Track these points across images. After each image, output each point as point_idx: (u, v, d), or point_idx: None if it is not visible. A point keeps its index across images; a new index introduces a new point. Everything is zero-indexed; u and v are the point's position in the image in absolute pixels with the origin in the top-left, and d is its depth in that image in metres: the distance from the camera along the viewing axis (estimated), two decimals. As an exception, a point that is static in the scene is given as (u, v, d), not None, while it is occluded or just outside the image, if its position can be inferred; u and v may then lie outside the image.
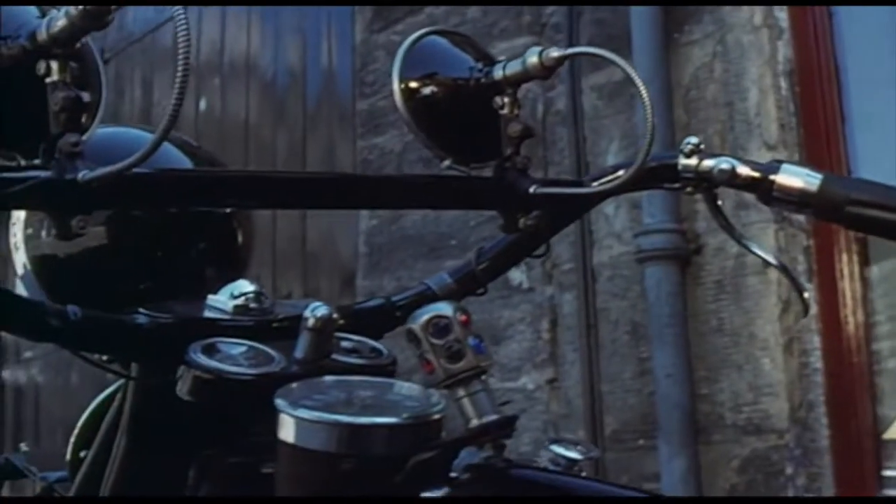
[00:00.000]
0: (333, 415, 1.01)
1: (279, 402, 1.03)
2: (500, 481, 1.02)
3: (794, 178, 1.37)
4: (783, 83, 3.97)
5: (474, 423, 1.06)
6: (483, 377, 1.08)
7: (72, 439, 1.46)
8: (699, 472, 3.96)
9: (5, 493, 1.85)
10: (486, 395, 1.08)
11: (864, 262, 4.10)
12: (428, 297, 1.42)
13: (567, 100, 4.43)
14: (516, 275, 4.36)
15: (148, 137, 1.26)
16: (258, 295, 1.27)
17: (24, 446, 1.82)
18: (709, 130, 4.01)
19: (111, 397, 1.40)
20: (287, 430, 1.02)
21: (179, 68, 1.03)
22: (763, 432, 3.88)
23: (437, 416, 1.03)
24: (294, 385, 1.07)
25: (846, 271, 3.99)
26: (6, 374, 7.46)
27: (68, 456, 1.46)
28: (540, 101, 4.46)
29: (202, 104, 6.02)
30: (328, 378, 1.11)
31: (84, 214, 1.10)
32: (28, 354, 7.18)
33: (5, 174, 1.09)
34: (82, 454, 1.42)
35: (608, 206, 4.25)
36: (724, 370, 3.97)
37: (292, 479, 1.03)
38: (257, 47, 5.83)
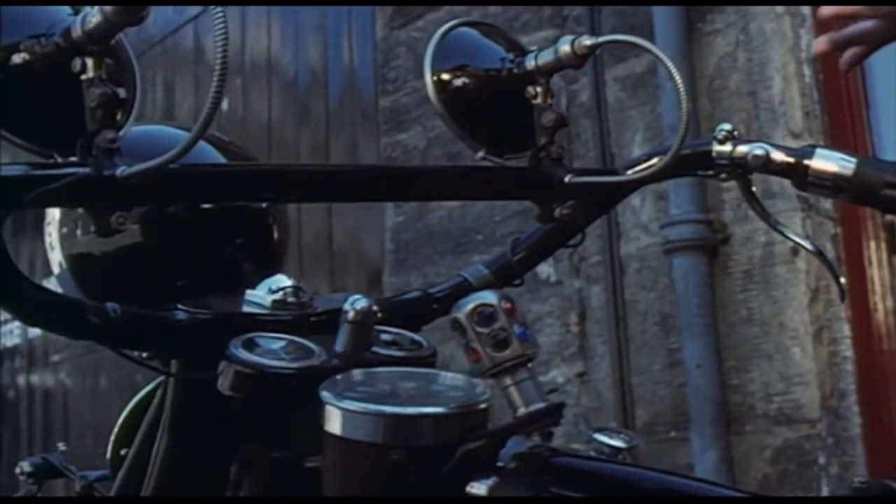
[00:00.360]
0: (380, 405, 1.00)
1: (325, 394, 1.03)
2: (547, 470, 1.01)
3: (828, 162, 1.37)
4: (807, 71, 3.95)
5: (522, 411, 1.06)
6: (529, 365, 1.08)
7: (112, 437, 1.46)
8: (732, 463, 3.95)
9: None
10: (533, 383, 1.07)
11: (893, 249, 4.08)
12: (465, 289, 1.41)
13: (591, 92, 4.42)
14: (544, 268, 4.35)
15: (182, 135, 1.26)
16: (296, 289, 1.27)
17: (62, 446, 1.82)
18: (733, 120, 3.97)
19: (150, 395, 1.40)
20: (333, 422, 1.02)
21: (218, 65, 1.03)
22: (795, 422, 3.86)
23: (483, 406, 1.03)
24: (338, 377, 1.07)
25: (874, 259, 3.97)
26: (35, 377, 7.47)
27: (108, 454, 1.46)
28: (563, 94, 4.45)
29: (224, 105, 6.03)
30: (372, 370, 1.10)
31: (123, 210, 1.10)
32: (56, 358, 7.19)
33: (44, 171, 1.09)
34: (122, 452, 1.42)
35: (634, 198, 4.23)
36: (754, 360, 3.95)
37: (339, 471, 1.03)
38: (278, 47, 5.84)
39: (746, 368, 3.97)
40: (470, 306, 1.09)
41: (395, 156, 5.03)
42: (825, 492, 3.81)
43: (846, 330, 3.81)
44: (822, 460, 3.82)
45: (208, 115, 1.05)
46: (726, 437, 3.96)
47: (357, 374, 1.09)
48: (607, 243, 4.30)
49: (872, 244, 3.95)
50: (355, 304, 1.17)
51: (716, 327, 4.00)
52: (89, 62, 1.12)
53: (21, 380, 7.61)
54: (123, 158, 1.10)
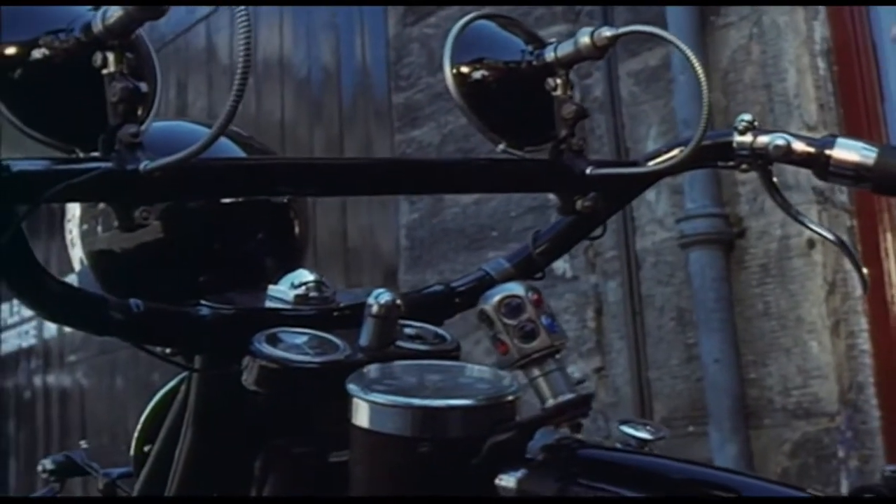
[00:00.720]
0: (408, 398, 1.00)
1: (352, 387, 1.03)
2: (576, 462, 1.01)
3: (850, 151, 1.36)
4: (821, 63, 3.94)
5: (550, 402, 1.05)
6: (557, 356, 1.07)
7: (135, 434, 1.45)
8: (751, 458, 3.94)
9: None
10: (562, 374, 1.07)
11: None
12: (486, 283, 1.41)
13: (604, 87, 4.41)
14: (560, 264, 4.35)
15: (201, 130, 1.25)
16: (319, 284, 1.27)
17: (83, 444, 1.81)
18: (748, 113, 3.98)
19: (173, 391, 1.40)
20: (361, 415, 1.01)
21: (241, 60, 1.03)
22: (813, 415, 3.85)
23: (511, 398, 1.02)
24: (365, 370, 1.07)
25: (891, 251, 3.96)
26: (51, 377, 7.49)
27: (132, 451, 1.45)
28: (577, 89, 4.44)
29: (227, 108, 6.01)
30: (398, 363, 1.10)
31: (146, 205, 1.10)
32: (72, 358, 7.20)
33: (66, 166, 1.09)
34: (146, 449, 1.42)
35: (650, 193, 4.22)
36: (771, 354, 3.95)
37: (367, 464, 1.03)
38: (290, 45, 5.83)
39: (764, 362, 3.96)
40: (497, 298, 1.08)
41: (410, 152, 5.02)
42: (844, 485, 3.80)
43: (863, 323, 3.80)
44: (841, 454, 3.81)
45: (231, 110, 1.04)
46: (745, 431, 3.95)
47: (383, 367, 1.08)
48: (623, 238, 4.29)
49: (889, 236, 3.94)
50: (379, 297, 1.16)
51: (733, 321, 3.99)
52: (110, 57, 1.11)
53: (37, 380, 7.62)
54: (146, 153, 1.10)
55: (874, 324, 3.80)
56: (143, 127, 1.12)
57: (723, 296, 3.99)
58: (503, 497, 0.99)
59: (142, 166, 1.09)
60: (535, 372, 1.06)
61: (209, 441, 1.27)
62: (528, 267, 1.45)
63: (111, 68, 1.11)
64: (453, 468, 1.00)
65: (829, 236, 1.48)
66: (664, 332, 4.22)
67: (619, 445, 1.19)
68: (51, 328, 7.40)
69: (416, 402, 1.00)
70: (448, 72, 1.38)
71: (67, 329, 6.92)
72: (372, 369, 1.07)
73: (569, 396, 1.05)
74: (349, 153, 5.33)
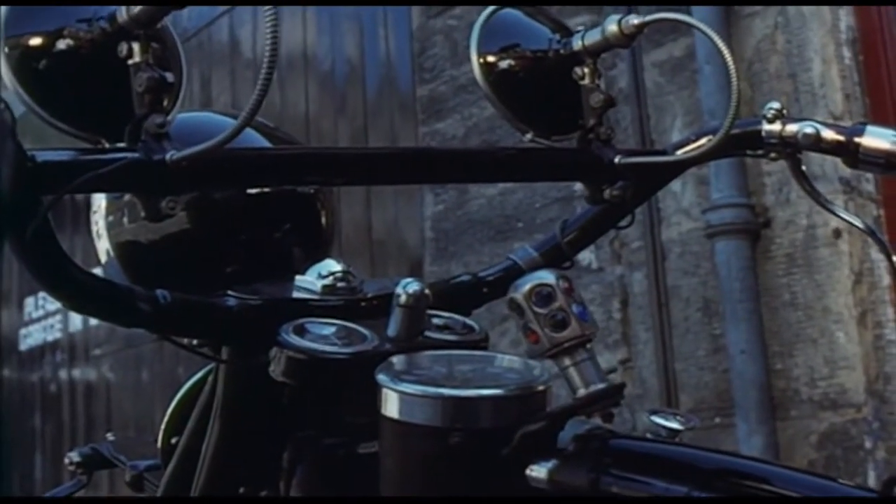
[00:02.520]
0: (438, 388, 0.99)
1: (381, 378, 1.02)
2: (607, 452, 1.00)
3: (879, 139, 1.35)
4: (846, 52, 3.92)
5: (581, 392, 1.05)
6: (588, 346, 1.06)
7: (162, 426, 1.45)
8: (778, 449, 3.93)
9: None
10: (593, 364, 1.06)
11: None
12: (514, 272, 1.41)
13: (629, 77, 4.40)
14: (585, 255, 4.33)
15: (227, 121, 1.25)
16: (346, 274, 1.26)
17: (110, 436, 1.81)
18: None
19: (201, 382, 1.39)
20: (391, 405, 1.01)
21: (268, 49, 1.02)
22: (840, 406, 3.84)
23: (542, 387, 1.02)
24: (394, 360, 1.06)
25: (918, 239, 3.94)
26: (76, 371, 7.50)
27: (159, 443, 1.45)
28: (602, 80, 4.42)
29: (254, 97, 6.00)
30: (427, 353, 1.09)
31: (173, 195, 1.09)
32: (97, 352, 7.22)
33: (93, 156, 1.09)
34: (173, 440, 1.41)
35: (675, 183, 4.20)
36: (798, 345, 3.93)
37: (397, 455, 1.02)
38: (314, 38, 5.83)
39: (791, 353, 3.95)
40: (528, 286, 1.07)
41: (434, 145, 5.02)
42: (872, 477, 3.78)
43: (890, 313, 3.78)
44: (868, 445, 3.79)
45: (258, 100, 1.04)
46: (772, 422, 3.94)
47: (412, 357, 1.08)
48: (648, 229, 4.28)
49: (916, 226, 3.93)
50: (407, 287, 1.16)
51: (759, 312, 3.97)
52: (136, 47, 1.11)
53: (63, 374, 7.64)
54: (172, 143, 1.09)
55: (901, 313, 3.78)
56: (169, 117, 1.11)
57: (749, 286, 3.98)
58: (525, 496, 0.98)
59: (168, 156, 1.08)
60: (566, 361, 1.06)
61: (237, 433, 1.27)
62: (556, 256, 1.44)
63: (137, 58, 1.11)
64: (484, 458, 0.99)
65: (859, 224, 1.47)
66: (690, 323, 4.20)
67: (649, 436, 1.18)
68: (76, 322, 7.41)
69: (447, 392, 0.99)
70: (475, 61, 1.37)
71: (93, 322, 6.96)
72: (401, 359, 1.07)
73: (600, 386, 1.05)
74: (373, 146, 5.33)
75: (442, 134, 5.01)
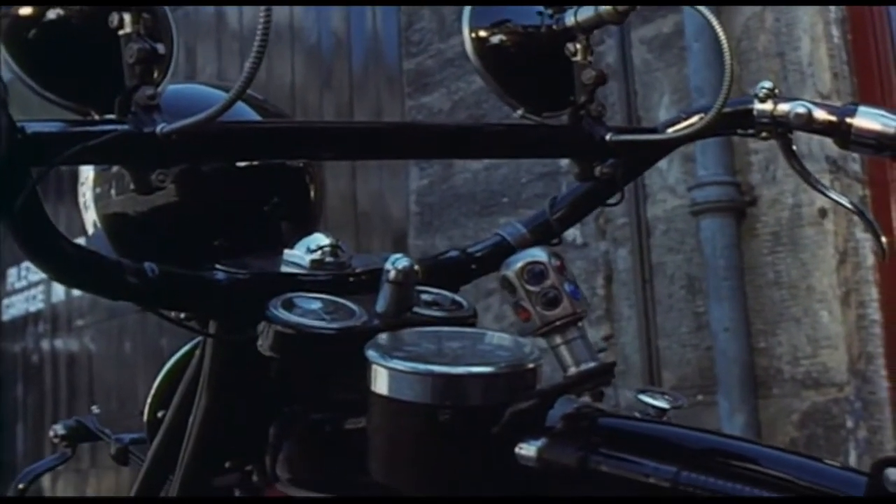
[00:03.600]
0: (428, 365, 0.99)
1: (371, 354, 1.02)
2: (597, 431, 1.00)
3: (871, 120, 1.35)
4: (835, 31, 3.92)
5: (572, 370, 1.04)
6: (580, 324, 1.06)
7: (148, 400, 1.44)
8: (759, 427, 3.94)
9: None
10: (584, 342, 1.06)
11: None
12: (503, 248, 1.40)
13: (617, 54, 4.39)
14: (570, 231, 4.30)
15: (217, 94, 1.24)
16: (335, 248, 1.25)
17: (95, 409, 1.80)
18: (762, 80, 3.95)
19: (187, 356, 1.39)
20: (380, 382, 1.00)
21: (261, 21, 1.01)
22: (822, 385, 3.84)
23: (532, 365, 1.01)
24: (383, 336, 1.06)
25: (903, 219, 3.95)
26: (59, 342, 7.48)
27: (145, 416, 1.44)
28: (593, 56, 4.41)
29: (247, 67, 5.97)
30: (417, 329, 1.09)
31: (163, 168, 1.09)
32: (80, 322, 7.20)
33: (82, 128, 1.08)
34: (159, 414, 1.41)
35: (661, 160, 4.19)
36: (781, 323, 3.93)
37: (386, 431, 1.02)
38: (301, 10, 5.81)
39: (774, 332, 3.95)
40: (520, 264, 1.07)
41: (420, 119, 5.00)
42: (853, 456, 3.79)
43: (874, 293, 3.79)
44: (849, 424, 3.80)
45: (250, 72, 1.03)
46: (754, 400, 3.95)
47: (402, 333, 1.07)
48: (634, 205, 4.27)
49: (902, 205, 3.93)
50: (396, 263, 1.15)
51: (743, 290, 3.98)
52: (126, 17, 1.10)
53: (45, 344, 7.62)
54: (162, 115, 1.08)
55: (885, 293, 3.79)
56: (159, 89, 1.11)
57: (733, 264, 3.98)
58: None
59: (158, 129, 1.07)
60: (558, 339, 1.05)
61: (223, 407, 1.26)
62: (545, 232, 1.44)
63: (128, 29, 1.10)
64: (473, 436, 0.99)
65: (848, 205, 1.47)
66: (674, 300, 4.21)
67: (637, 414, 1.18)
68: (59, 293, 7.40)
69: (437, 368, 0.98)
70: (467, 36, 1.37)
71: (75, 293, 6.94)
72: (390, 336, 1.06)
73: (591, 365, 1.04)
74: (360, 119, 5.31)
75: (428, 108, 5.00)
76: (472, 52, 1.37)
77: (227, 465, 1.32)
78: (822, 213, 3.88)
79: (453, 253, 1.40)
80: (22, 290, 7.78)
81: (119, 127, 1.08)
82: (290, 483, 1.20)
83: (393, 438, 1.02)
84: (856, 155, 3.87)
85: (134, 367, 6.42)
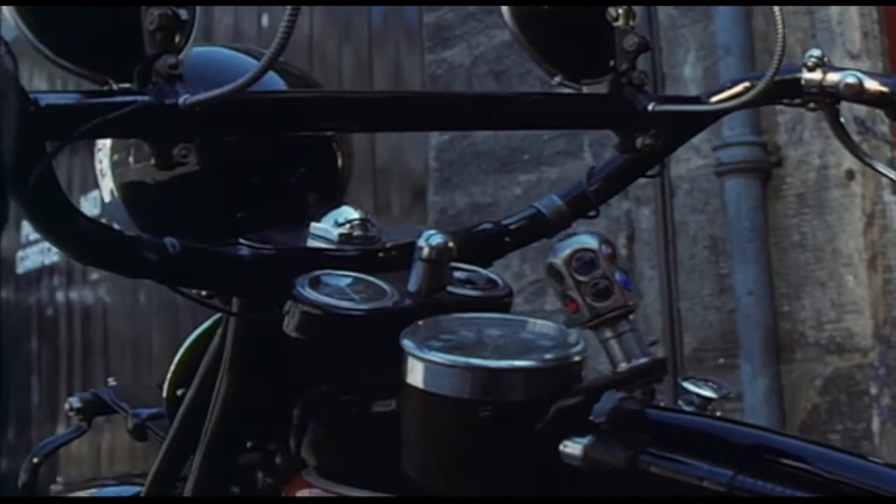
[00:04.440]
0: (467, 357, 0.93)
1: (406, 343, 0.96)
2: (645, 428, 0.94)
3: None
4: (866, -10, 3.84)
5: (623, 366, 0.99)
6: (631, 317, 1.00)
7: (168, 376, 1.39)
8: (781, 392, 3.88)
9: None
10: (635, 336, 1.00)
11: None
12: (538, 221, 1.35)
13: (641, 9, 4.30)
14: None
15: (245, 60, 1.18)
16: (364, 222, 1.20)
17: (111, 380, 1.76)
18: (790, 39, 3.86)
19: (209, 331, 1.33)
20: (416, 374, 0.95)
21: None
22: (846, 351, 3.79)
23: (578, 358, 0.96)
24: (419, 323, 1.00)
25: (932, 182, 3.88)
26: (74, 294, 7.44)
27: (164, 393, 1.39)
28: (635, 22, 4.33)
29: (264, 20, 5.93)
30: (455, 315, 1.03)
31: (186, 142, 1.03)
32: (95, 276, 7.16)
33: (100, 99, 1.02)
34: (179, 392, 1.36)
35: (686, 71, 4.14)
36: (806, 287, 3.88)
37: (422, 426, 0.97)
38: (320, -38, 5.72)
39: (798, 295, 3.90)
40: (568, 251, 1.01)
41: (440, 73, 4.93)
42: (876, 423, 3.74)
43: (901, 256, 3.73)
44: (873, 391, 3.75)
45: (280, 44, 0.97)
46: (776, 365, 3.89)
47: (439, 320, 1.02)
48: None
49: (930, 168, 3.86)
50: (430, 240, 1.10)
51: (767, 252, 3.91)
52: None
53: (60, 297, 7.58)
54: (185, 85, 1.03)
55: (912, 258, 3.73)
56: (181, 56, 1.05)
57: (758, 225, 3.92)
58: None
59: (181, 100, 1.02)
60: (608, 333, 1.00)
61: (246, 387, 1.21)
62: (582, 204, 1.38)
63: None
64: (514, 433, 0.93)
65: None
66: (697, 261, 4.14)
67: (682, 405, 1.12)
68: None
69: (476, 361, 0.93)
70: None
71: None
72: (427, 323, 1.01)
73: (643, 360, 0.99)
74: (378, 74, 5.24)
75: (448, 62, 4.92)
76: (508, 17, 1.31)
77: (249, 444, 1.28)
78: (850, 174, 3.81)
79: (486, 225, 1.34)
80: (37, 241, 7.71)
81: (139, 98, 1.02)
82: (315, 472, 1.15)
83: (428, 434, 0.96)
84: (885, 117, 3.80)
85: (148, 320, 6.37)
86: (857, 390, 3.78)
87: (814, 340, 3.86)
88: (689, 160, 4.16)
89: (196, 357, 1.32)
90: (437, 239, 1.10)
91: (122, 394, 1.69)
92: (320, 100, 1.23)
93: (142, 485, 1.41)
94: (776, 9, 1.21)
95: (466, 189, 4.80)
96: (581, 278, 1.00)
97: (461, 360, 0.93)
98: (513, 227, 1.35)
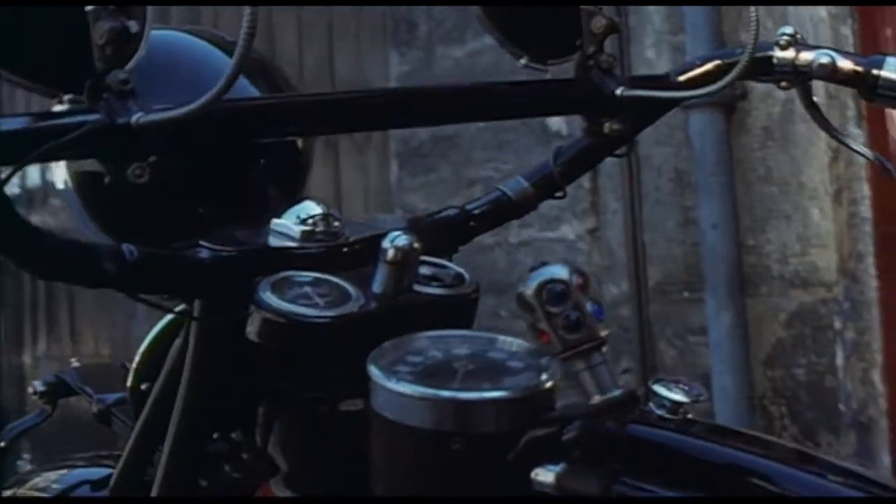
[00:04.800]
0: (436, 389, 0.91)
1: (373, 371, 0.94)
2: (619, 454, 0.92)
3: None
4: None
5: (596, 398, 0.97)
6: (603, 348, 0.98)
7: (132, 366, 1.37)
8: (746, 327, 3.89)
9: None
10: (607, 368, 0.98)
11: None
12: (504, 204, 1.33)
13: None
14: (554, 121, 4.21)
15: (204, 46, 1.14)
16: (327, 217, 1.17)
17: (75, 361, 1.73)
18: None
19: (173, 323, 1.31)
20: (383, 403, 0.93)
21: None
22: (811, 285, 3.79)
23: (549, 385, 0.94)
24: (386, 345, 0.98)
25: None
26: (35, 219, 7.34)
27: (129, 383, 1.37)
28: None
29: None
30: (423, 336, 1.01)
31: (141, 161, 0.99)
32: (57, 202, 7.07)
33: (51, 122, 0.99)
34: (143, 387, 1.33)
35: (649, 51, 4.11)
36: (771, 221, 3.87)
37: (390, 456, 0.95)
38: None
39: (763, 229, 3.89)
40: (538, 282, 0.98)
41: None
42: (840, 358, 3.75)
43: (866, 190, 3.72)
44: (837, 325, 3.76)
45: (239, 63, 0.94)
46: (741, 299, 3.89)
47: (407, 340, 0.99)
48: (620, 95, 4.16)
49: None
50: (396, 241, 1.07)
51: (732, 186, 3.90)
52: None
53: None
54: (138, 100, 0.99)
55: (877, 191, 3.72)
56: (130, 65, 1.01)
57: (723, 159, 3.90)
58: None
59: (133, 119, 0.98)
60: (581, 365, 0.97)
61: (211, 387, 1.18)
62: (549, 186, 1.36)
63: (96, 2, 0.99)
64: (485, 464, 0.91)
65: (869, 155, 1.41)
66: (661, 193, 4.13)
67: (653, 408, 1.09)
68: (34, 176, 7.27)
69: (446, 394, 0.91)
70: None
71: (49, 176, 6.78)
72: (394, 343, 0.98)
73: (616, 393, 0.97)
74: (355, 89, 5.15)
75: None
76: None
77: (215, 436, 1.25)
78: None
79: (451, 211, 1.32)
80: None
81: (90, 118, 0.98)
82: (283, 481, 1.13)
83: (397, 463, 0.95)
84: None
85: (115, 296, 6.27)
86: (822, 325, 3.78)
87: (779, 274, 3.86)
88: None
89: (160, 348, 1.30)
90: (401, 240, 1.07)
91: (86, 376, 1.67)
92: (283, 106, 1.19)
93: (111, 466, 1.39)
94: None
95: (428, 121, 4.75)
96: (552, 310, 0.97)
97: (430, 392, 0.91)
98: (478, 211, 1.32)
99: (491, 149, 4.41)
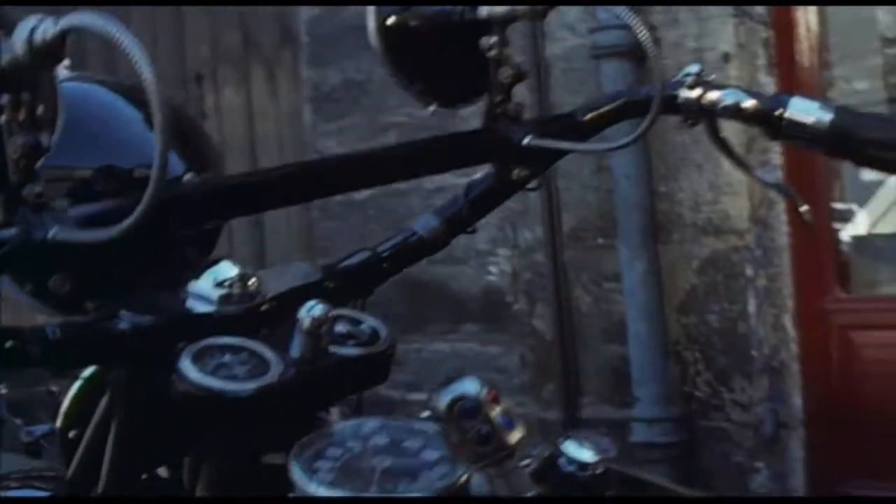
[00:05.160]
0: (356, 493, 0.93)
1: (295, 470, 0.97)
2: None
3: (804, 113, 1.29)
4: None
5: None
6: (516, 454, 1.01)
7: (62, 409, 1.37)
8: (659, 274, 3.93)
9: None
10: (519, 472, 1.00)
11: (824, 49, 4.04)
12: (414, 244, 1.33)
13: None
14: (466, 68, 4.20)
15: (114, 99, 1.14)
16: (243, 277, 1.18)
17: (3, 388, 1.73)
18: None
19: (98, 375, 1.32)
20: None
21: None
22: (723, 232, 3.85)
23: (463, 480, 0.96)
24: (306, 440, 1.00)
25: (805, 62, 3.92)
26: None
27: (58, 423, 1.38)
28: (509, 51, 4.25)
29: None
30: (340, 426, 1.03)
31: (60, 272, 1.00)
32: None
33: None
34: (72, 434, 1.34)
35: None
36: (683, 169, 3.91)
37: None
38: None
39: (675, 177, 3.93)
40: (449, 399, 1.00)
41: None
42: (752, 305, 3.81)
43: (776, 139, 3.76)
44: (749, 272, 3.81)
45: (156, 186, 0.94)
46: (654, 247, 3.94)
47: (326, 433, 1.01)
48: (531, 42, 4.16)
49: (804, 46, 3.90)
50: (312, 311, 1.09)
51: (645, 135, 3.91)
52: (7, 103, 0.99)
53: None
54: (54, 212, 0.99)
55: (788, 139, 3.76)
56: (44, 160, 1.00)
57: (635, 108, 3.91)
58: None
59: (50, 234, 0.98)
60: (493, 472, 1.00)
61: (137, 441, 1.20)
62: (459, 223, 1.36)
63: (7, 116, 0.99)
64: None
65: (785, 191, 1.43)
66: (574, 140, 4.14)
67: (562, 466, 1.11)
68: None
69: (363, 496, 0.93)
70: (372, 24, 1.29)
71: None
72: (314, 437, 1.01)
73: (531, 494, 0.99)
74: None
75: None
76: (378, 43, 1.28)
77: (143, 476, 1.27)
78: (726, 57, 3.83)
79: (363, 255, 1.32)
80: None
81: (5, 234, 0.98)
82: None
83: None
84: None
85: None
86: (734, 272, 3.84)
87: (691, 222, 3.91)
88: (565, 40, 4.15)
89: (89, 395, 1.30)
90: (317, 311, 1.09)
91: (12, 407, 1.67)
92: (191, 195, 1.19)
93: (45, 489, 1.41)
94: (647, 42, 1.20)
95: (339, 64, 4.73)
96: (464, 425, 1.00)
97: (349, 497, 0.93)
98: (387, 252, 1.33)
99: (403, 94, 4.40)
